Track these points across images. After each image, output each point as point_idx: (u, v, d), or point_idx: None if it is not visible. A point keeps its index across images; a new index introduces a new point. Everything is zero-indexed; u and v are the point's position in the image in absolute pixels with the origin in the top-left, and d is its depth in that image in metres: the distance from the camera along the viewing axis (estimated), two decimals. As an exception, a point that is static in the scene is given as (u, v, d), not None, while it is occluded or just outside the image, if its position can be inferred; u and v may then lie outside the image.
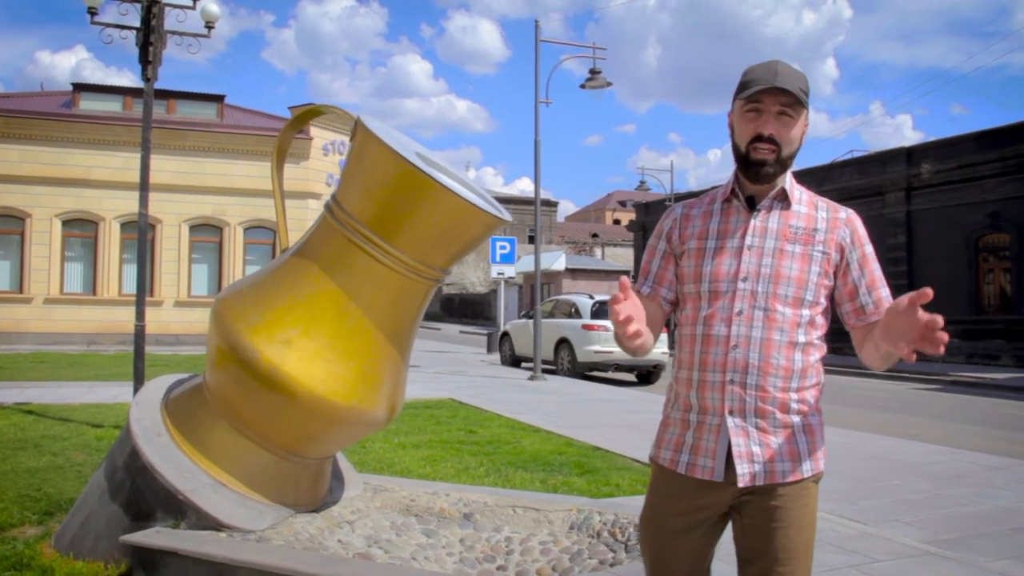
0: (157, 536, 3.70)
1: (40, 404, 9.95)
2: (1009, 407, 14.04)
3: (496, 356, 22.37)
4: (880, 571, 4.41)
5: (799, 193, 2.28)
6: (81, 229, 24.15)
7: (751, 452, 2.15)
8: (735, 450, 2.15)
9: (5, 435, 7.71)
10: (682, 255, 2.31)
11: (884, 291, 2.23)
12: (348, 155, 3.93)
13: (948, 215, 23.23)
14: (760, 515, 2.17)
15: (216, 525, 3.76)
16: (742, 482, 2.14)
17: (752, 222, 2.23)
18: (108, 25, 9.20)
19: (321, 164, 25.40)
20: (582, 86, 17.24)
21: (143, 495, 3.90)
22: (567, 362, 17.92)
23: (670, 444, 2.29)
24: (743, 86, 2.19)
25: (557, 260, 43.52)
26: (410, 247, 3.75)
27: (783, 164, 2.20)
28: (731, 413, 2.16)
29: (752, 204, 2.24)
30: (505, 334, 21.29)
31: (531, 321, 17.78)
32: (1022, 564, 4.65)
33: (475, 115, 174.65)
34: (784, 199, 2.24)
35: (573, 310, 18.47)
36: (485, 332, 29.67)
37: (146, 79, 8.50)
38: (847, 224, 2.24)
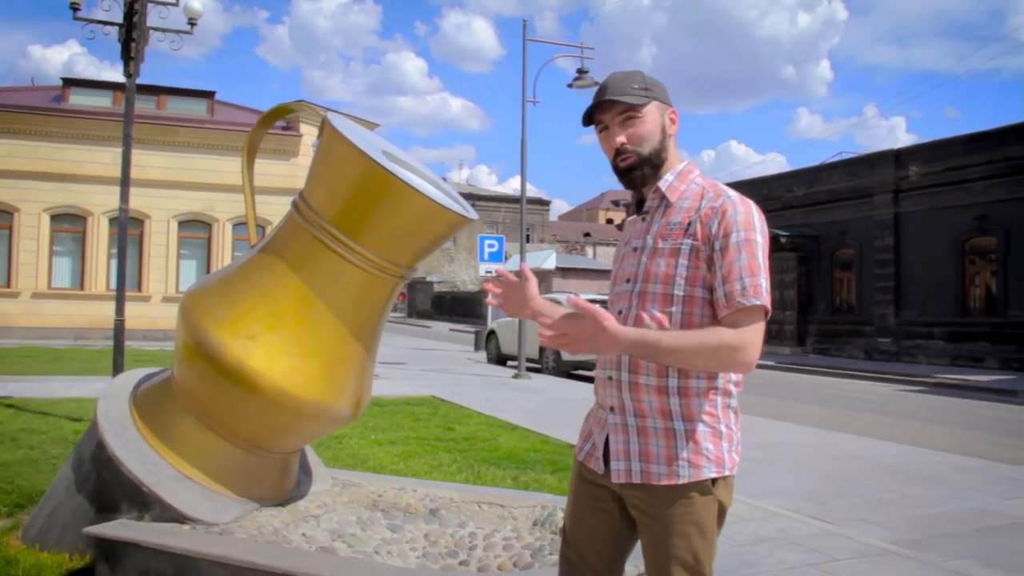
0: (120, 528, 3.74)
1: (22, 398, 9.96)
2: (991, 409, 14.12)
3: (483, 354, 22.39)
4: (839, 570, 4.46)
5: (686, 187, 2.25)
6: (70, 224, 24.11)
7: (627, 450, 2.17)
8: (612, 446, 2.20)
9: (-17, 429, 7.74)
10: None
11: (739, 284, 2.08)
12: (315, 153, 3.98)
13: (936, 217, 23.29)
14: (639, 516, 2.20)
15: (180, 517, 3.80)
16: (616, 478, 2.17)
17: (642, 225, 2.29)
18: (91, 21, 9.22)
19: (310, 161, 25.34)
20: (569, 85, 17.24)
21: (108, 487, 3.94)
22: (552, 361, 17.98)
23: (582, 434, 2.39)
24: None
25: (548, 259, 43.53)
26: (375, 245, 3.79)
27: (652, 163, 2.24)
28: (612, 410, 2.22)
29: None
30: (492, 332, 21.31)
31: (517, 319, 17.80)
32: (982, 564, 4.71)
33: (470, 113, 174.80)
34: (664, 198, 2.25)
35: (560, 309, 18.48)
36: (474, 330, 29.67)
37: (128, 75, 8.54)
38: (719, 212, 2.13)
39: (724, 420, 2.18)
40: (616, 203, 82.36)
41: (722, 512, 2.21)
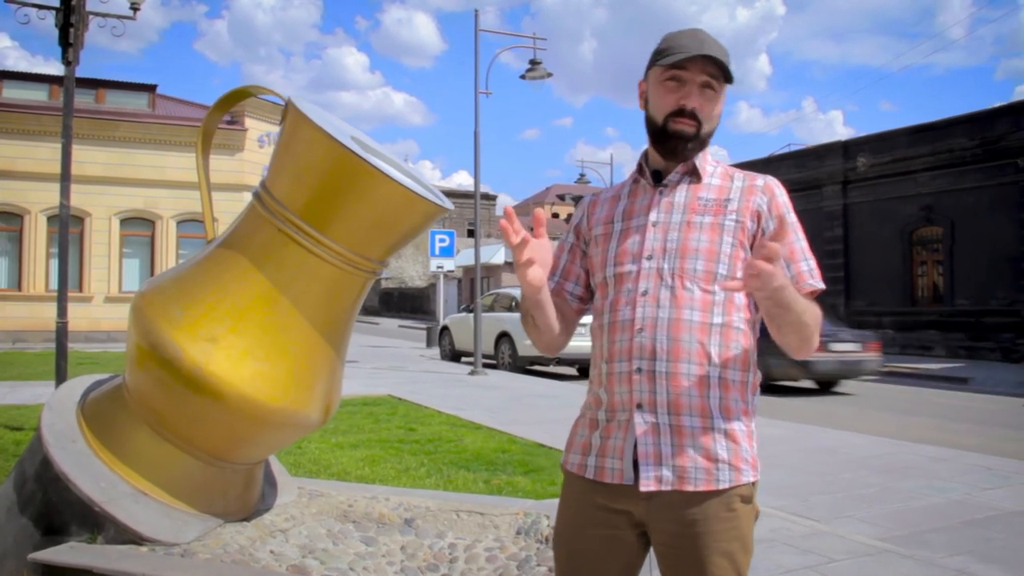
0: (70, 552, 3.40)
1: (-44, 406, 9.46)
2: (945, 397, 14.28)
3: (436, 351, 22.09)
4: (838, 572, 4.29)
5: (712, 167, 2.07)
6: (6, 222, 23.33)
7: (659, 453, 1.89)
8: (640, 449, 1.89)
9: (-86, 440, 7.27)
10: (590, 244, 2.14)
11: (805, 264, 1.96)
12: (278, 139, 3.67)
13: (883, 208, 23.56)
14: (672, 534, 1.90)
15: (136, 538, 3.47)
16: (645, 486, 1.87)
17: (658, 198, 2.04)
18: (25, 4, 8.73)
19: (256, 156, 24.79)
20: (522, 77, 17.03)
21: (55, 507, 3.59)
22: (508, 356, 17.71)
23: (578, 447, 2.06)
24: (663, 52, 1.98)
25: (496, 253, 43.36)
26: (345, 237, 3.49)
27: (702, 141, 2.02)
28: (639, 407, 1.91)
29: (659, 179, 2.06)
30: (445, 328, 21.01)
31: (471, 315, 17.54)
32: (977, 559, 4.59)
33: (412, 108, 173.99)
34: (694, 173, 2.05)
35: (513, 303, 18.29)
36: (424, 326, 29.35)
37: (67, 63, 8.07)
38: (764, 191, 2.00)
39: (753, 419, 1.98)
40: (561, 197, 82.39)
41: (755, 521, 1.98)
